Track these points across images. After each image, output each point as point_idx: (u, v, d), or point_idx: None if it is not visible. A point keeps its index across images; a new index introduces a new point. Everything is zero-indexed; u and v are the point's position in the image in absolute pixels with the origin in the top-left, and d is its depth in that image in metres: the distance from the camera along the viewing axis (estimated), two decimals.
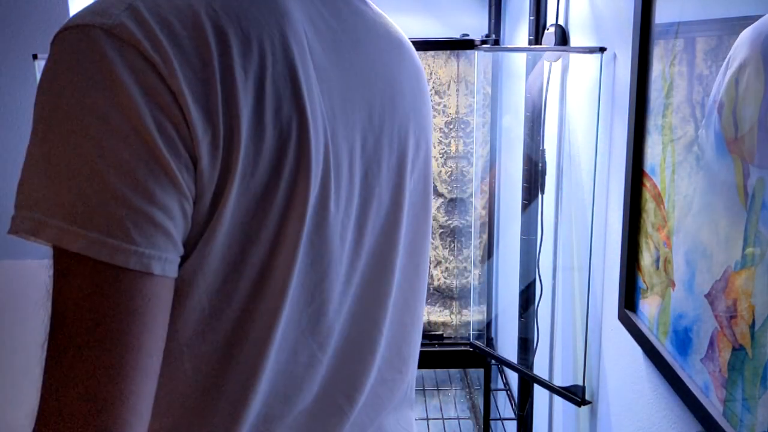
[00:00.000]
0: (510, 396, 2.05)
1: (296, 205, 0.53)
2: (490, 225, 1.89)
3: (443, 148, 1.89)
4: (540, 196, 1.63)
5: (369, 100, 0.60)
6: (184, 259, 0.50)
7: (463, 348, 1.83)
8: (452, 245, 1.96)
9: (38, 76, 1.65)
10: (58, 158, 0.45)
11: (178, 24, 0.47)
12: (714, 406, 0.76)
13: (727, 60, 0.73)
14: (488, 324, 1.92)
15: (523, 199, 1.65)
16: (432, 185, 0.72)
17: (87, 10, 0.47)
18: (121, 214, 0.44)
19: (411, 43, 0.70)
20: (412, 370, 0.73)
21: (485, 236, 1.90)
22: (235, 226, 0.51)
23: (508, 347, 1.99)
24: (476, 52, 1.77)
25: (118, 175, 0.44)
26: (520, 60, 1.79)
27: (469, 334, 1.90)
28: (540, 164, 1.61)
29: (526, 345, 1.68)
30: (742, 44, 0.70)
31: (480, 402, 2.34)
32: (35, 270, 1.87)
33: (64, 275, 0.45)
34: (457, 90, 1.87)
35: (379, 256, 0.64)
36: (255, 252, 0.52)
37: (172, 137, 0.46)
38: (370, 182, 0.61)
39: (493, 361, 1.82)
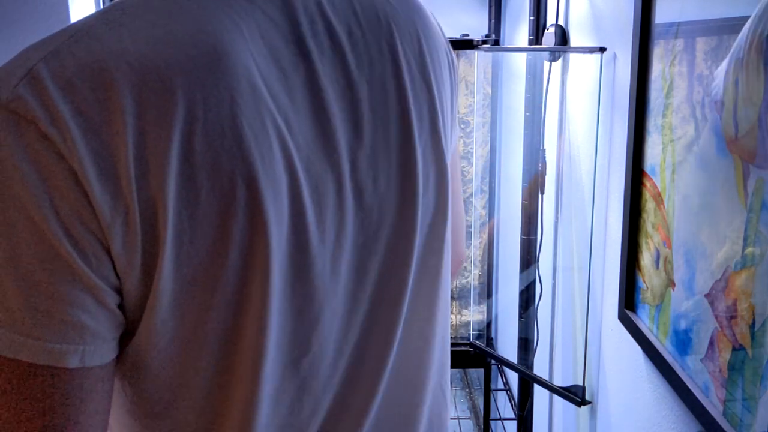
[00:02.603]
0: (510, 396, 2.05)
1: (256, 263, 0.48)
2: (490, 225, 1.89)
3: None
4: (540, 196, 1.63)
5: (353, 111, 0.54)
6: (130, 335, 0.48)
7: (463, 348, 1.83)
8: None
9: None
10: None
11: (85, 87, 0.42)
12: (714, 406, 0.76)
13: (729, 58, 0.73)
14: (488, 324, 1.92)
15: (523, 199, 1.65)
16: (450, 192, 0.62)
17: None
18: (25, 313, 0.42)
19: (415, 3, 0.63)
20: (429, 394, 0.65)
21: (485, 236, 1.90)
22: (180, 297, 0.47)
23: (508, 347, 1.99)
24: (476, 52, 1.77)
25: (17, 273, 0.42)
26: (520, 60, 1.79)
27: (469, 334, 1.90)
28: (540, 164, 1.61)
29: (526, 345, 1.68)
30: (740, 39, 0.70)
31: (480, 402, 2.34)
32: None
33: None
34: (457, 90, 1.87)
35: (386, 282, 0.57)
36: (213, 319, 0.48)
37: (74, 226, 0.42)
38: (367, 202, 0.55)
39: (493, 361, 1.82)
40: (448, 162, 0.62)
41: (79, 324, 0.44)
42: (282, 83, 0.50)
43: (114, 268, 0.45)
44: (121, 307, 0.47)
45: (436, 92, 0.60)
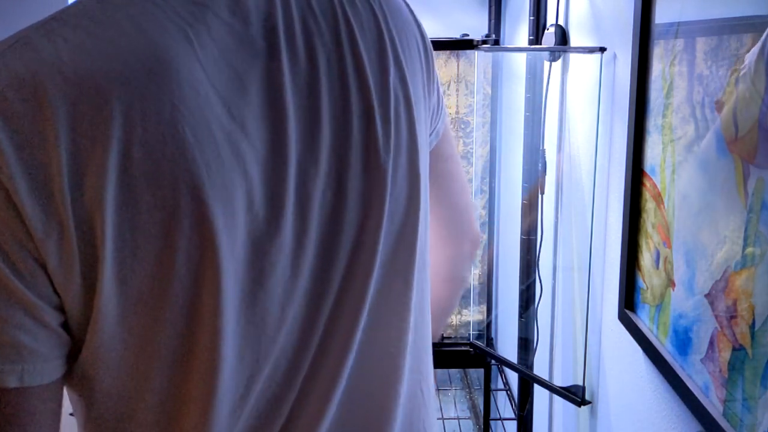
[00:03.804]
0: (510, 396, 2.05)
1: (205, 273, 0.46)
2: (490, 225, 1.89)
3: None
4: (540, 196, 1.63)
5: (312, 108, 0.52)
6: (77, 350, 0.47)
7: (463, 348, 1.83)
8: None
9: None
10: None
11: (16, 98, 0.41)
12: (714, 406, 0.76)
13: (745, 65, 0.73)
14: (488, 324, 1.92)
15: (523, 199, 1.65)
16: (422, 188, 0.59)
17: None
18: None
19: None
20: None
21: (485, 236, 1.90)
22: (127, 312, 0.45)
23: (508, 347, 1.99)
24: (476, 52, 1.77)
25: None
26: (520, 60, 1.79)
27: (469, 334, 1.90)
28: (540, 164, 1.61)
29: (526, 345, 1.68)
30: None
31: (480, 402, 2.34)
32: None
33: None
34: (457, 90, 1.87)
35: (347, 288, 0.55)
36: (164, 334, 0.47)
37: (6, 243, 0.41)
38: (330, 201, 0.53)
39: (493, 361, 1.82)
40: (422, 155, 0.60)
41: (17, 343, 0.43)
42: (235, 84, 0.48)
43: (52, 286, 0.43)
44: (64, 325, 0.46)
45: (408, 81, 0.58)
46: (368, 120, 0.55)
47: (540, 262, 1.63)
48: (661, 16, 0.93)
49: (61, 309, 0.45)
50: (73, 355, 0.48)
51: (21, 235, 0.42)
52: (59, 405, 0.47)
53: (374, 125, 0.55)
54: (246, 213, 0.48)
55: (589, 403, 1.32)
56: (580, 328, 1.38)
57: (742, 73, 0.69)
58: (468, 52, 1.84)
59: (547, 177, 1.61)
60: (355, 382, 0.57)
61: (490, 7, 2.16)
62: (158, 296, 0.46)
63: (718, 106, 0.75)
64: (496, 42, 2.09)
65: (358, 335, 0.56)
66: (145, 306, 0.46)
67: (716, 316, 0.76)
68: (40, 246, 0.42)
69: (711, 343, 0.77)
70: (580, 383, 1.33)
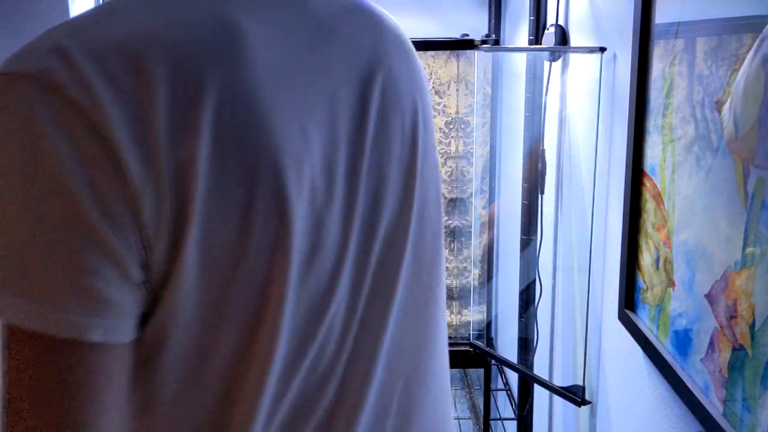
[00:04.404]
0: (510, 396, 2.05)
1: (279, 239, 0.48)
2: (490, 225, 1.89)
3: (443, 148, 1.89)
4: (540, 196, 1.63)
5: (363, 99, 0.56)
6: (150, 314, 0.47)
7: (463, 348, 1.83)
8: (452, 245, 1.96)
9: None
10: None
11: (115, 60, 0.43)
12: (714, 406, 0.76)
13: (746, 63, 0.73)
14: (488, 324, 1.92)
15: (523, 199, 1.65)
16: (440, 189, 0.65)
17: (14, 55, 0.43)
18: (49, 283, 0.41)
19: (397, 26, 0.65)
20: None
21: (485, 236, 1.90)
22: (205, 271, 0.46)
23: (508, 347, 1.99)
24: (476, 52, 1.77)
25: (45, 243, 0.41)
26: (520, 60, 1.79)
27: (469, 334, 1.90)
28: (540, 164, 1.61)
29: (526, 345, 1.68)
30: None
31: (480, 402, 2.34)
32: None
33: (5, 347, 0.43)
34: (457, 90, 1.87)
35: (382, 268, 0.58)
36: (236, 296, 0.48)
37: (105, 197, 0.42)
38: (377, 182, 0.57)
39: (493, 361, 1.82)
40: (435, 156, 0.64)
41: (104, 296, 0.43)
42: (300, 66, 0.51)
43: (141, 240, 0.44)
44: (144, 284, 0.46)
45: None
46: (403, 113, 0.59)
47: (540, 262, 1.63)
48: (661, 16, 0.93)
49: (144, 266, 0.45)
50: (144, 319, 0.48)
51: (120, 188, 0.42)
52: (127, 373, 0.46)
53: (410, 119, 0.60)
54: (309, 185, 0.50)
55: (589, 403, 1.32)
56: (580, 328, 1.38)
57: (740, 72, 0.69)
58: (468, 52, 1.84)
59: (547, 177, 1.62)
60: (390, 363, 0.59)
61: (490, 7, 2.16)
62: (236, 257, 0.47)
63: (718, 106, 0.75)
64: (496, 42, 2.09)
65: (393, 316, 0.59)
66: (222, 266, 0.47)
67: (716, 316, 0.76)
68: (137, 199, 0.43)
69: (711, 343, 0.77)
70: (580, 383, 1.33)
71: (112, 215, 0.42)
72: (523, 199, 1.65)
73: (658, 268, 0.93)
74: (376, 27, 0.60)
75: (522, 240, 1.66)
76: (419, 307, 0.63)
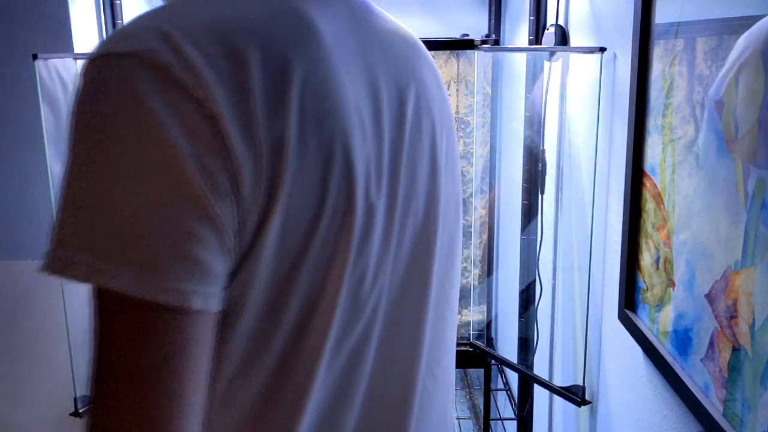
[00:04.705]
0: (510, 396, 2.05)
1: (346, 217, 0.51)
2: (490, 225, 1.89)
3: None
4: (540, 196, 1.63)
5: (400, 101, 0.60)
6: (229, 282, 0.49)
7: (463, 348, 1.83)
8: None
9: (38, 76, 1.64)
10: (92, 196, 0.43)
11: (212, 44, 0.46)
12: (714, 406, 0.76)
13: (729, 62, 0.73)
14: (488, 324, 1.92)
15: (523, 199, 1.65)
16: (460, 182, 0.71)
17: (114, 37, 0.46)
18: (156, 251, 0.43)
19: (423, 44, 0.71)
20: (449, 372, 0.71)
21: (485, 236, 1.90)
22: (282, 243, 0.49)
23: (508, 347, 1.99)
24: (476, 52, 1.77)
25: (153, 211, 0.43)
26: (520, 60, 1.79)
27: (469, 334, 1.90)
28: (540, 164, 1.61)
29: (526, 345, 1.68)
30: (742, 44, 0.70)
31: (480, 402, 2.34)
32: (35, 270, 1.87)
33: (102, 314, 0.44)
34: (457, 90, 1.87)
35: (415, 260, 0.62)
36: (304, 269, 0.51)
37: (209, 168, 0.44)
38: (410, 182, 0.61)
39: (493, 361, 1.82)
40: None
41: (206, 264, 0.44)
42: (354, 57, 0.55)
43: (239, 211, 0.46)
44: (233, 253, 0.48)
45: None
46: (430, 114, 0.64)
47: (540, 262, 1.63)
48: (661, 16, 0.93)
49: (237, 236, 0.47)
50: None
51: (223, 160, 0.45)
52: (213, 342, 0.48)
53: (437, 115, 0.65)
54: (365, 173, 0.53)
55: (589, 403, 1.32)
56: (580, 328, 1.38)
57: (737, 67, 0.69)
58: (468, 52, 1.83)
59: (547, 177, 1.61)
60: (379, 370, 0.62)
61: (490, 7, 2.16)
62: (309, 231, 0.50)
63: (718, 106, 0.75)
64: (496, 42, 2.09)
65: (431, 302, 0.64)
66: (297, 238, 0.50)
67: (716, 316, 0.76)
68: (238, 172, 0.45)
69: (711, 343, 0.77)
70: (580, 383, 1.33)
71: (216, 186, 0.44)
72: (523, 199, 1.65)
73: (658, 268, 0.93)
74: (408, 42, 0.65)
75: (522, 240, 1.66)
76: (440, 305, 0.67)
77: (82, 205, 0.43)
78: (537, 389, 1.74)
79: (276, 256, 0.49)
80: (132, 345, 0.43)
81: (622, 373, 1.14)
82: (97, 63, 0.44)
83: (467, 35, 2.04)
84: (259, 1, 0.51)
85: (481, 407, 1.97)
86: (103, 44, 0.45)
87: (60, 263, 0.43)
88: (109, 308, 0.43)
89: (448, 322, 0.70)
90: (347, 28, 0.57)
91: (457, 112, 1.89)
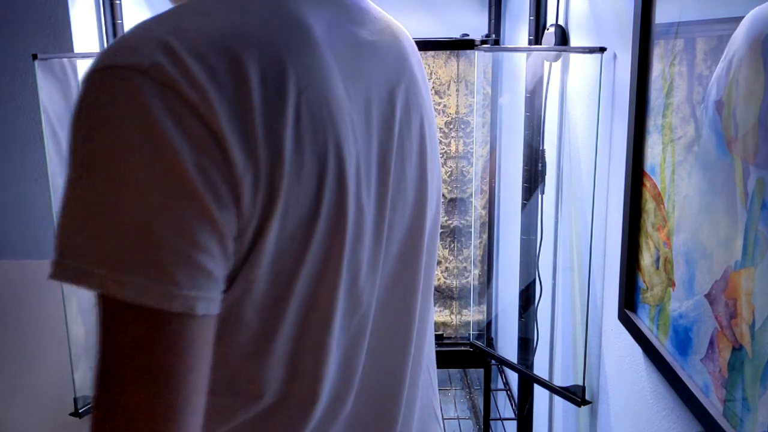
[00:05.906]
0: (510, 396, 2.05)
1: (339, 222, 0.53)
2: (490, 225, 1.89)
3: (443, 148, 1.89)
4: (540, 196, 1.63)
5: (390, 100, 0.61)
6: (228, 287, 0.50)
7: (463, 348, 1.83)
8: (452, 245, 1.96)
9: (38, 76, 1.64)
10: (98, 205, 0.44)
11: (214, 58, 0.46)
12: (714, 406, 0.76)
13: (725, 57, 0.73)
14: (488, 324, 1.92)
15: (523, 199, 1.65)
16: (439, 164, 0.73)
17: (118, 48, 0.46)
18: (163, 260, 0.44)
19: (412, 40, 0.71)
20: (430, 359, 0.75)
21: (485, 236, 1.90)
22: (280, 250, 0.51)
23: (508, 347, 1.99)
24: (476, 52, 1.77)
25: (159, 221, 0.44)
26: (520, 60, 1.79)
27: (469, 334, 1.90)
28: (540, 164, 1.61)
29: (526, 345, 1.68)
30: (738, 39, 0.70)
31: (480, 402, 2.34)
32: (35, 270, 1.87)
33: (109, 321, 0.45)
34: (457, 90, 1.87)
35: (405, 251, 0.65)
36: (303, 274, 0.53)
37: (213, 180, 0.45)
38: (399, 179, 0.62)
39: (493, 361, 1.82)
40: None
41: (209, 271, 0.46)
42: (348, 63, 0.57)
43: (239, 220, 0.48)
44: (232, 259, 0.50)
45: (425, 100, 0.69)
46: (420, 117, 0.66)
47: (540, 262, 1.63)
48: (661, 16, 0.93)
49: (235, 244, 0.49)
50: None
51: (225, 173, 0.46)
52: (212, 344, 0.49)
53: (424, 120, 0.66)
54: (355, 174, 0.55)
55: (589, 403, 1.32)
56: (580, 328, 1.38)
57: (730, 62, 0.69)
58: (468, 52, 1.83)
59: (547, 177, 1.61)
60: (374, 354, 0.65)
61: (490, 7, 2.16)
62: (306, 238, 0.52)
63: (718, 106, 0.75)
64: (496, 42, 2.09)
65: (420, 290, 0.67)
66: (295, 246, 0.52)
67: (716, 316, 0.76)
68: (239, 183, 0.47)
69: (711, 343, 0.77)
70: (580, 383, 1.33)
71: (219, 197, 0.46)
72: (523, 199, 1.65)
73: (658, 268, 0.93)
74: (397, 37, 0.65)
75: (522, 240, 1.66)
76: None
77: (92, 214, 0.44)
78: (537, 389, 1.74)
79: (274, 261, 0.51)
80: (140, 349, 0.44)
81: (622, 373, 1.14)
82: (101, 74, 0.45)
83: (467, 35, 2.04)
84: (256, 10, 0.52)
85: (481, 407, 1.98)
86: (106, 55, 0.45)
87: (72, 272, 0.44)
88: (117, 314, 0.44)
89: (429, 306, 0.74)
90: (341, 32, 0.57)
91: (457, 112, 1.89)
